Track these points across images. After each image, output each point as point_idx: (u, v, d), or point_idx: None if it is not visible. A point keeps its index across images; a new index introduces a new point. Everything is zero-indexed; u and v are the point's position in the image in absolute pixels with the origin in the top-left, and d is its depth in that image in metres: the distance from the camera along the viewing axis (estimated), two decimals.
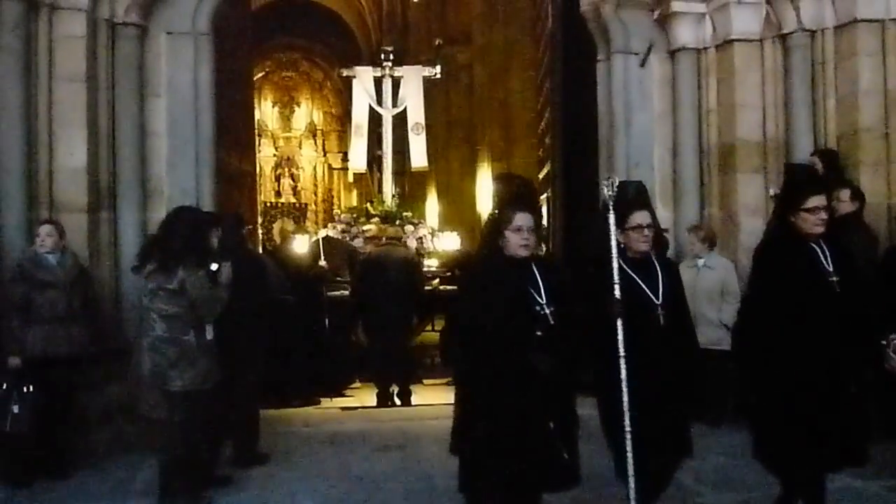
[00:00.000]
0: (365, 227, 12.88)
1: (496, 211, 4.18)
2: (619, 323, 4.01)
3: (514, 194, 4.23)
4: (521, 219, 4.00)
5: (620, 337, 4.01)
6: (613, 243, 4.07)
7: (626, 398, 4.00)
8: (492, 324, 3.84)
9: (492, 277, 4.00)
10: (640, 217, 4.20)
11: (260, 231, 26.48)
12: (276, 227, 21.79)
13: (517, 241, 3.99)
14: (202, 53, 7.54)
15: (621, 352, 4.01)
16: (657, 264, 4.25)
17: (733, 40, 7.58)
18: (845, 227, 5.50)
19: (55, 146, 6.74)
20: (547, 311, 3.91)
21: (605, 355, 4.06)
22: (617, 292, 4.03)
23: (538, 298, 3.93)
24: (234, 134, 13.46)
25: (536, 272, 4.00)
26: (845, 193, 6.43)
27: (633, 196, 4.27)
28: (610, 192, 4.12)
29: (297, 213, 23.77)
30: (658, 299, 4.14)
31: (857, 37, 7.00)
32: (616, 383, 4.00)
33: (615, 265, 4.05)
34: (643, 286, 4.16)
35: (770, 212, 7.35)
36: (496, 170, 17.10)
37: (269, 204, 25.68)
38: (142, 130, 7.30)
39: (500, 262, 4.01)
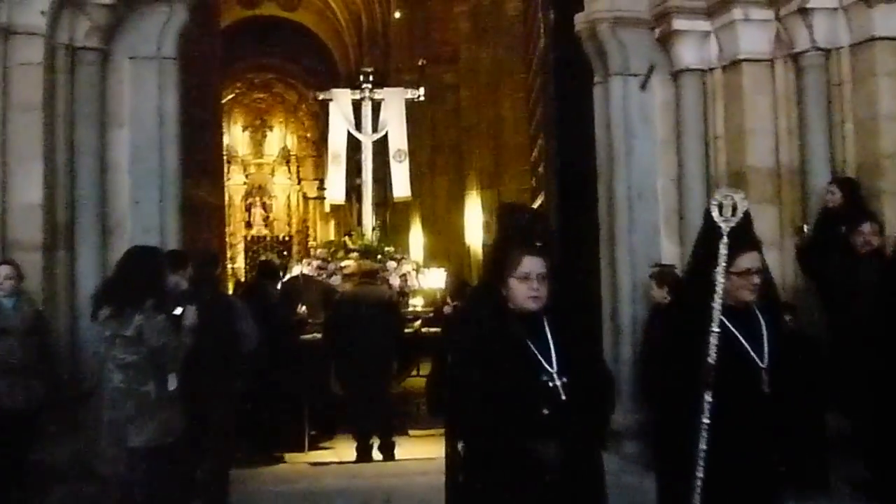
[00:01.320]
0: (343, 263, 12.82)
1: (499, 252, 3.65)
2: (708, 391, 3.46)
3: (522, 231, 3.76)
4: (531, 264, 3.44)
5: (707, 406, 3.44)
6: (720, 285, 3.52)
7: (699, 482, 3.43)
8: (485, 399, 3.31)
9: (488, 336, 3.45)
10: (749, 260, 3.58)
11: (240, 266, 26.57)
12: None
13: (524, 293, 3.42)
14: (168, 79, 7.53)
15: (704, 422, 3.45)
16: (761, 317, 3.63)
17: (741, 60, 7.60)
18: (870, 265, 5.45)
19: (9, 180, 6.70)
20: (558, 383, 3.36)
21: (678, 427, 3.54)
22: (713, 353, 3.48)
23: (547, 366, 3.37)
24: (201, 164, 13.44)
25: (547, 329, 3.45)
26: (869, 227, 6.37)
27: (742, 227, 3.61)
28: (725, 216, 3.57)
29: (282, 248, 23.68)
30: (762, 361, 3.53)
31: (876, 56, 7.00)
32: (691, 464, 3.45)
33: (717, 315, 3.50)
34: (744, 343, 3.56)
35: (787, 244, 7.42)
36: (486, 199, 17.19)
37: (250, 238, 25.58)
38: (102, 163, 7.27)
39: (502, 317, 3.45)
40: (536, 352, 3.39)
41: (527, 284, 3.42)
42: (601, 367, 3.75)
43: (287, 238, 26.30)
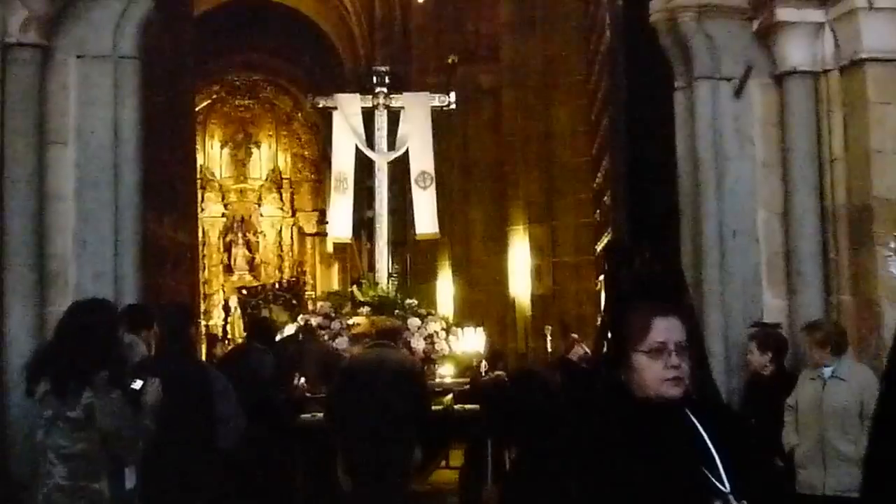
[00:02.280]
0: (351, 321, 12.86)
1: (613, 315, 3.37)
2: None
3: (645, 281, 3.44)
4: (665, 329, 3.05)
5: None
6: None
7: None
8: None
9: (615, 447, 2.98)
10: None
11: (217, 322, 26.66)
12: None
13: (659, 374, 3.01)
14: (126, 84, 7.65)
15: None
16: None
17: (864, 60, 7.62)
18: None
19: None
20: None
21: None
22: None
23: (716, 483, 2.91)
24: (168, 191, 13.61)
25: (701, 429, 3.02)
26: None
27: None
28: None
29: (289, 296, 23.69)
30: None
31: None
32: None
33: None
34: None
35: None
36: (535, 237, 17.23)
37: (248, 290, 25.64)
38: (40, 192, 7.36)
39: (627, 415, 3.04)
40: (701, 465, 2.95)
41: (661, 361, 3.01)
42: (779, 478, 3.29)
43: (294, 282, 26.32)
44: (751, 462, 3.06)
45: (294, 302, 22.02)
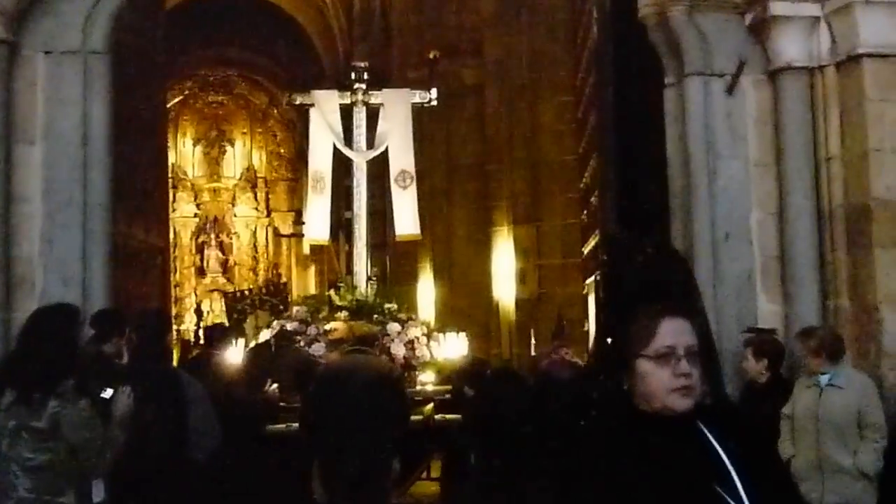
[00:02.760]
0: (327, 326, 12.80)
1: (615, 315, 3.11)
2: None
3: (650, 278, 3.16)
4: (673, 331, 2.87)
5: None
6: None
7: None
8: None
9: (617, 466, 2.80)
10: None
11: (188, 328, 26.54)
12: (249, 324, 21.45)
13: (667, 382, 2.83)
14: (96, 81, 7.62)
15: None
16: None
17: (862, 55, 7.63)
18: None
19: None
20: None
21: None
22: None
23: (733, 503, 2.74)
24: (139, 192, 13.52)
25: (715, 443, 2.82)
26: None
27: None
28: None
29: (276, 300, 23.52)
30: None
31: None
32: None
33: None
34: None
35: None
36: (520, 238, 17.23)
37: (233, 294, 25.50)
38: (5, 193, 7.32)
39: (631, 429, 2.87)
40: (716, 483, 2.75)
41: (669, 367, 2.82)
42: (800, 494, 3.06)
43: (281, 286, 26.18)
44: (771, 477, 2.85)
45: (282, 307, 21.87)
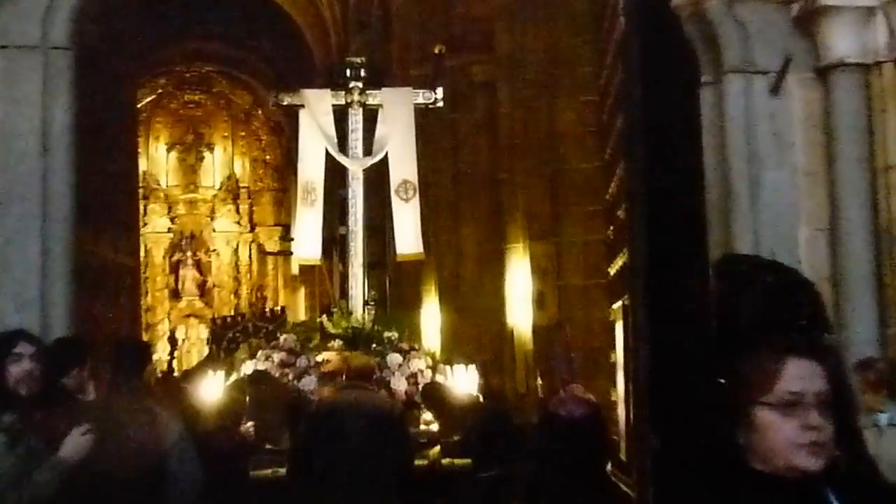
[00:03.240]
0: (320, 357, 12.82)
1: (724, 352, 2.88)
2: None
3: (772, 305, 2.89)
4: (800, 374, 2.69)
5: None
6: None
7: None
8: None
9: None
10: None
11: (162, 357, 26.51)
12: (240, 354, 21.35)
13: (792, 436, 2.66)
14: (57, 79, 7.65)
15: None
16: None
17: None
18: None
19: None
20: None
21: None
22: None
23: None
24: (105, 205, 13.56)
25: None
26: None
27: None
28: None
29: (273, 327, 23.44)
30: None
31: None
32: None
33: None
34: None
35: None
36: (538, 256, 17.23)
37: (227, 319, 25.44)
38: None
39: (745, 492, 2.69)
40: None
41: (795, 418, 2.65)
42: None
43: (278, 311, 26.00)
44: None
45: (280, 336, 21.73)
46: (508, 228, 17.70)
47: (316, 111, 14.14)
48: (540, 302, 17.02)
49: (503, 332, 17.40)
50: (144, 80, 25.86)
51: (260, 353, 13.33)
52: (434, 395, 11.51)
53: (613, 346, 13.51)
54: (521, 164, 17.49)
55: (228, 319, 25.12)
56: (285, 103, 14.70)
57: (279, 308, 26.79)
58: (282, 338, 13.61)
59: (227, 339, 22.94)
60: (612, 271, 13.03)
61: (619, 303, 12.01)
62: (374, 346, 13.06)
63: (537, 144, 17.33)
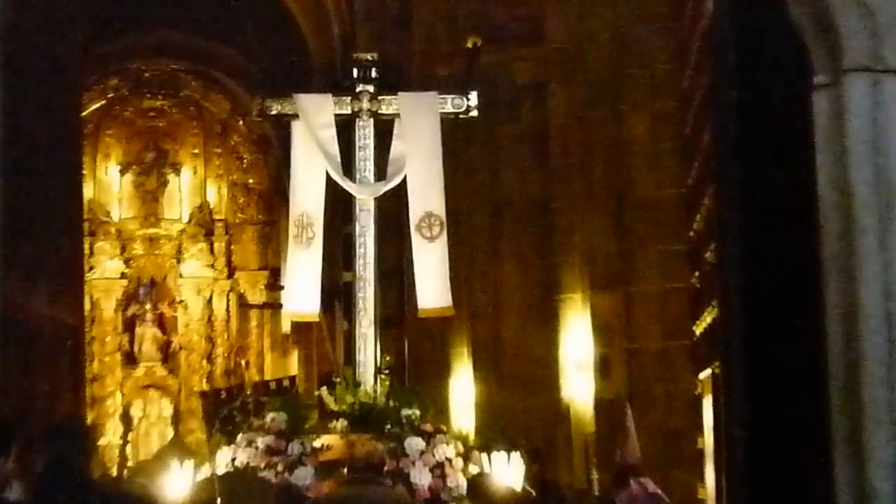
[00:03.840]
0: (317, 442, 12.85)
1: None
2: None
3: None
4: None
5: None
6: None
7: None
8: None
9: None
10: None
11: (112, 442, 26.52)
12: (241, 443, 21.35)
13: None
14: None
15: None
16: None
17: None
18: None
19: None
20: None
21: None
22: None
23: None
24: (38, 245, 13.66)
25: None
26: None
27: None
28: None
29: (284, 398, 23.48)
30: None
31: None
32: None
33: None
34: None
35: None
36: (601, 309, 17.21)
37: (216, 394, 25.48)
38: None
39: None
40: None
41: None
42: None
43: (287, 383, 25.90)
44: None
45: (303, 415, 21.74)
46: (562, 273, 17.75)
47: (314, 122, 14.20)
48: (604, 370, 17.03)
49: (556, 410, 17.43)
50: (92, 81, 26.00)
51: (240, 436, 13.36)
52: (484, 492, 11.50)
53: (700, 429, 13.50)
54: (578, 190, 17.54)
55: (223, 394, 25.13)
56: (274, 112, 14.77)
57: (287, 379, 26.69)
58: (268, 417, 13.62)
59: (219, 418, 22.97)
60: (697, 330, 13.05)
61: (708, 371, 12.00)
62: (388, 427, 13.10)
63: (599, 163, 17.38)
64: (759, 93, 9.72)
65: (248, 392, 24.53)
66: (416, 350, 17.92)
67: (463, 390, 18.07)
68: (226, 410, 23.28)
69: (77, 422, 9.15)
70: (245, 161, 31.17)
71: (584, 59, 17.42)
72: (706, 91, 12.10)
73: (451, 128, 14.69)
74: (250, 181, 31.16)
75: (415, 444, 12.87)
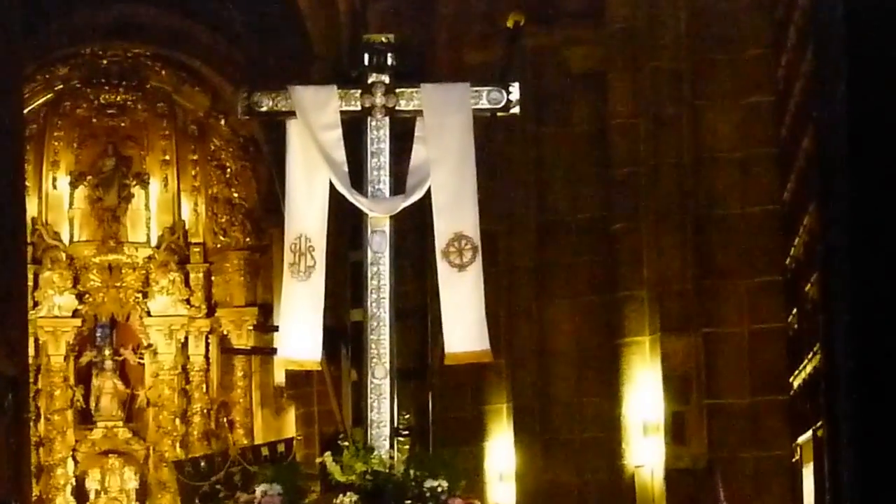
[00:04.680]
0: None
1: None
2: None
3: None
4: None
5: None
6: None
7: None
8: None
9: None
10: None
11: None
12: None
13: None
14: None
15: None
16: None
17: None
18: None
19: None
20: None
21: None
22: None
23: None
24: None
25: None
26: None
27: None
28: None
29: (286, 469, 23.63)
30: None
31: None
32: None
33: None
34: None
35: None
36: (674, 355, 17.25)
37: (193, 463, 25.57)
38: None
39: None
40: None
41: None
42: None
43: (284, 448, 25.84)
44: None
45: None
46: (626, 310, 17.79)
47: (314, 122, 14.22)
48: (678, 432, 17.05)
49: (618, 483, 17.47)
50: (34, 71, 26.14)
51: None
52: None
53: (800, 502, 13.55)
54: (646, 208, 17.60)
55: (202, 462, 25.20)
56: (264, 109, 14.78)
57: (282, 443, 26.62)
58: (258, 490, 13.71)
59: (199, 495, 23.05)
60: (795, 382, 13.09)
61: (809, 433, 12.04)
62: (408, 501, 13.17)
63: (672, 173, 17.43)
64: (875, 85, 9.76)
65: (234, 460, 24.59)
66: (444, 407, 18.01)
67: (501, 457, 18.15)
68: (206, 484, 23.44)
69: (19, 499, 9.23)
70: (228, 171, 31.26)
71: (654, 43, 17.48)
72: (807, 83, 12.15)
73: (487, 128, 14.73)
74: (235, 196, 31.24)
75: None
